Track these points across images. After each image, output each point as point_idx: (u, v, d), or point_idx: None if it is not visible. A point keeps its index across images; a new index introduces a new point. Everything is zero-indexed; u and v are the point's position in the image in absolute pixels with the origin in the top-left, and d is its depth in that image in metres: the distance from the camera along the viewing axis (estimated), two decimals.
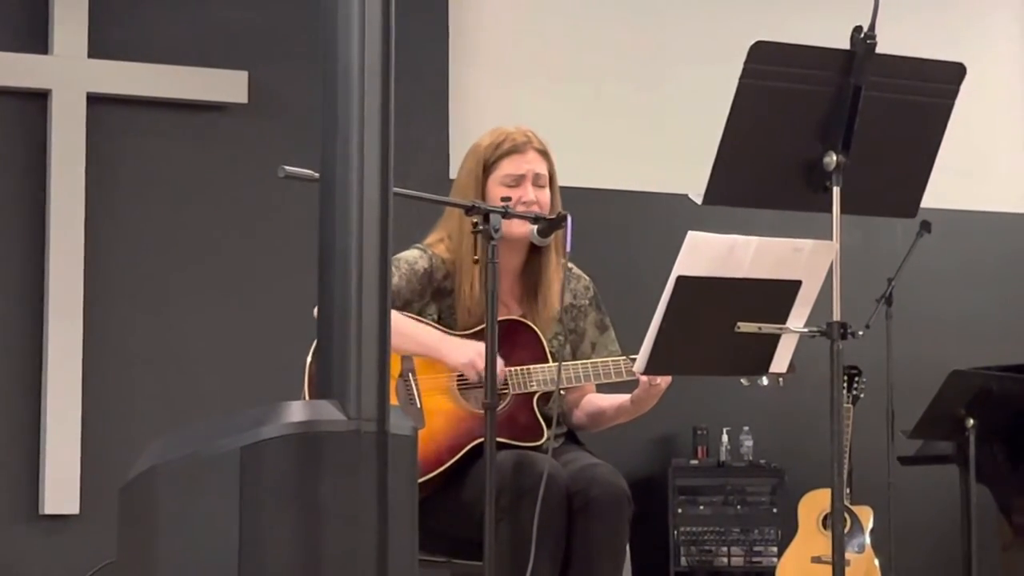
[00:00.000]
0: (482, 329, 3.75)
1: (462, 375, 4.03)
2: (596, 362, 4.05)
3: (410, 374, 4.01)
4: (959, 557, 6.76)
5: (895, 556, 6.69)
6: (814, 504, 6.90)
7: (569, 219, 3.84)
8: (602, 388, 4.23)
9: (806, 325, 3.58)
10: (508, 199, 3.97)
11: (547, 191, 4.14)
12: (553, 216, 3.97)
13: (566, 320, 4.22)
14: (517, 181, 4.10)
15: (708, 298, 3.49)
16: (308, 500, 2.44)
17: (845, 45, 3.49)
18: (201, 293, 6.88)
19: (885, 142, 3.58)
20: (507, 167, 4.11)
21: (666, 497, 7.17)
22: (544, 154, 4.17)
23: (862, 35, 3.46)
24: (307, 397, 3.93)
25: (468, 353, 3.94)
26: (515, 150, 4.13)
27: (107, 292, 6.72)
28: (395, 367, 3.96)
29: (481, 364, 3.80)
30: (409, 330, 4.01)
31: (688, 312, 3.49)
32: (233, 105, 6.91)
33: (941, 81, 3.60)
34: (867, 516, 6.89)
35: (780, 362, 3.65)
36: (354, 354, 2.51)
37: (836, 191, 3.49)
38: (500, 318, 3.87)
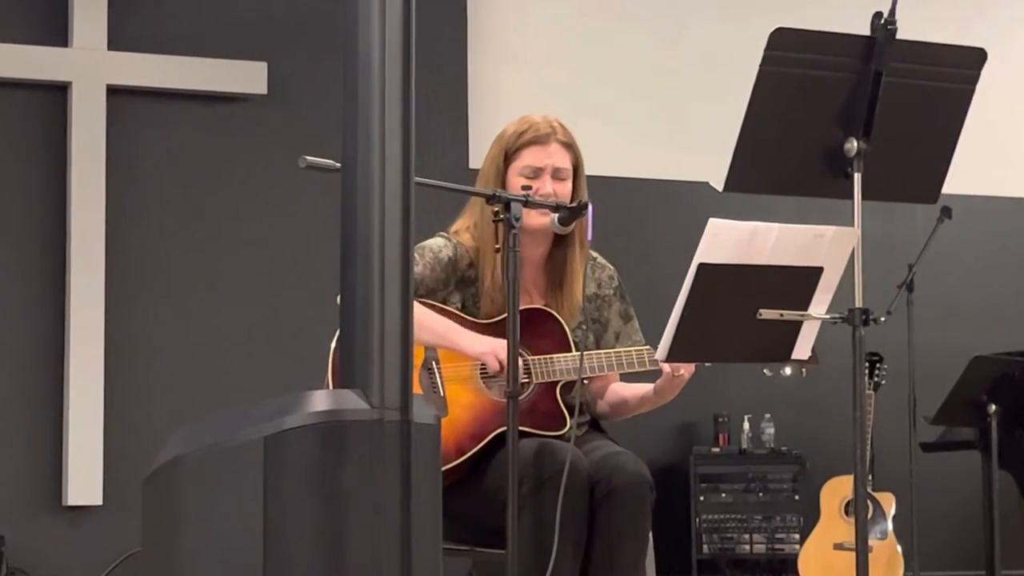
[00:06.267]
0: (505, 317, 3.75)
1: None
2: (619, 351, 4.04)
3: (434, 363, 4.01)
4: (981, 543, 6.75)
5: (917, 542, 6.69)
6: (836, 491, 6.90)
7: (590, 207, 3.83)
8: (627, 377, 4.23)
9: (828, 311, 3.58)
10: (528, 188, 3.96)
11: (567, 184, 4.12)
12: (573, 204, 3.96)
13: (590, 309, 4.21)
14: (536, 173, 4.09)
15: (730, 285, 3.49)
16: (332, 489, 2.44)
17: (865, 31, 3.48)
18: (223, 283, 6.90)
19: (906, 128, 3.57)
20: (527, 158, 4.10)
21: (688, 485, 7.18)
22: (568, 146, 4.14)
23: (882, 21, 3.46)
24: (331, 385, 3.94)
25: (489, 343, 3.94)
26: (537, 141, 4.11)
27: (128, 284, 6.74)
28: (418, 356, 3.97)
29: (503, 353, 3.80)
30: (428, 321, 4.01)
31: (710, 299, 3.49)
32: (253, 96, 6.93)
33: (962, 66, 3.59)
34: (889, 503, 6.88)
35: (802, 349, 3.64)
36: (377, 343, 2.51)
37: (857, 177, 3.49)
38: (523, 307, 3.87)
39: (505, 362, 3.82)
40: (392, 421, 2.48)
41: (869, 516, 6.71)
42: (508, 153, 4.11)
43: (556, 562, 3.70)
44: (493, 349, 3.90)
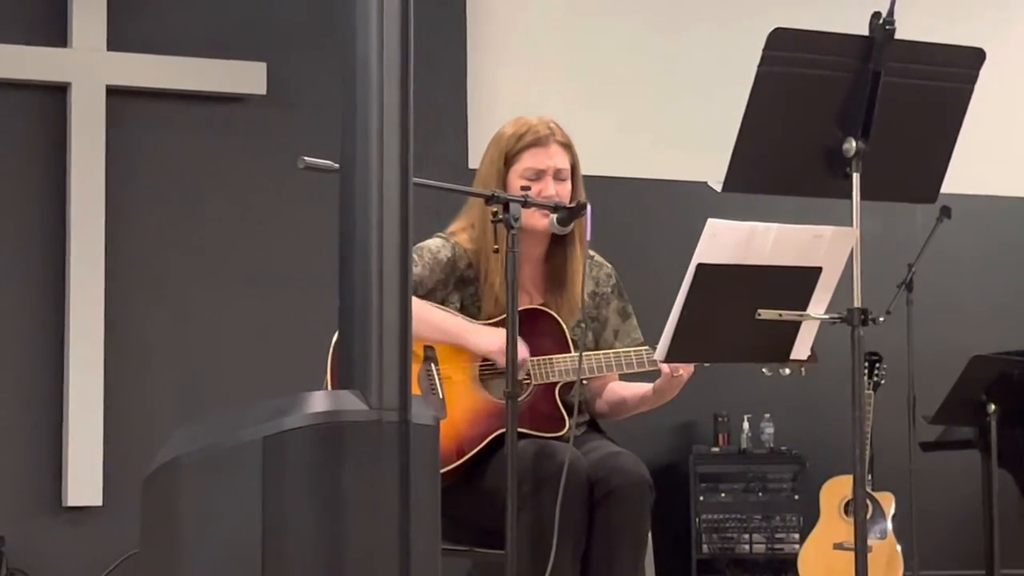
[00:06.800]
0: (504, 318, 3.75)
1: (485, 364, 4.03)
2: (618, 352, 4.04)
3: (432, 364, 4.01)
4: (981, 542, 6.75)
5: (917, 542, 6.69)
6: (836, 490, 6.90)
7: (589, 207, 3.83)
8: (626, 377, 4.23)
9: (827, 311, 3.58)
10: (528, 189, 3.96)
11: (568, 184, 4.13)
12: (572, 204, 3.97)
13: (588, 308, 4.22)
14: (538, 175, 4.09)
15: (728, 285, 3.49)
16: (330, 490, 2.44)
17: (864, 31, 3.48)
18: (221, 284, 6.89)
19: (905, 128, 3.57)
20: (528, 160, 4.10)
21: (687, 485, 7.17)
22: (567, 147, 4.15)
23: (881, 21, 3.46)
24: (330, 386, 3.94)
25: (495, 340, 3.93)
26: (537, 143, 4.11)
27: (128, 284, 6.74)
28: (417, 357, 3.97)
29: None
30: (434, 318, 4.01)
31: (708, 300, 3.49)
32: (252, 96, 6.92)
33: (960, 66, 3.59)
34: (889, 502, 6.88)
35: (801, 349, 3.64)
36: (375, 344, 2.51)
37: (856, 177, 3.49)
38: (522, 307, 3.87)
39: (521, 356, 3.86)
40: (391, 422, 2.48)
41: (868, 516, 6.70)
42: (508, 156, 4.11)
43: (555, 562, 3.70)
44: (501, 346, 3.88)
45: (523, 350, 3.95)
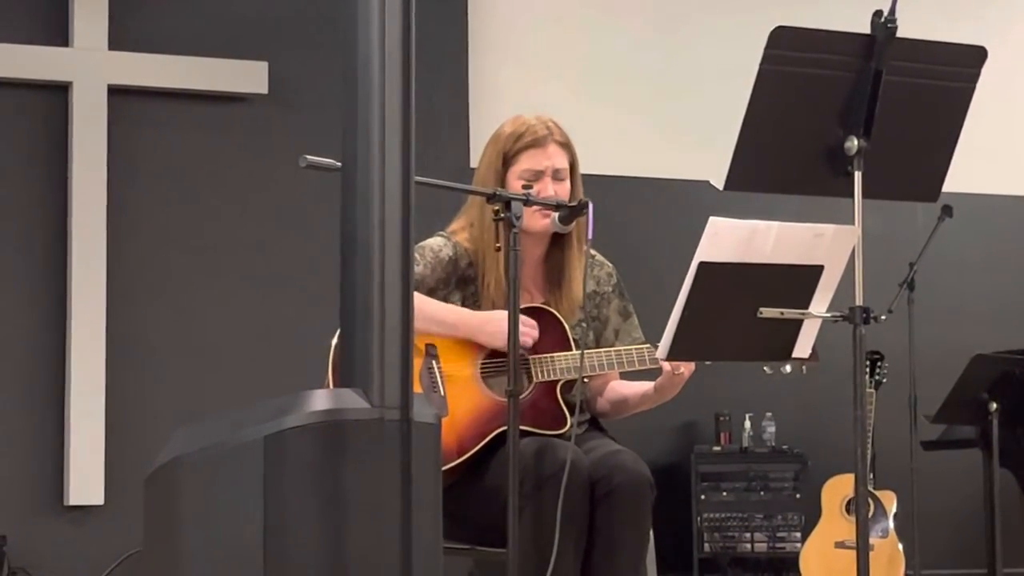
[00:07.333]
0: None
1: (486, 362, 4.03)
2: (619, 350, 4.04)
3: (434, 361, 4.01)
4: (983, 541, 6.75)
5: (918, 540, 6.69)
6: (837, 489, 6.90)
7: (591, 206, 3.83)
8: (627, 375, 4.23)
9: (828, 310, 3.58)
10: (529, 188, 3.96)
11: (567, 184, 4.11)
12: (574, 203, 3.96)
13: (589, 307, 4.21)
14: (537, 176, 4.07)
15: (730, 284, 3.49)
16: (332, 488, 2.44)
17: (866, 29, 3.48)
18: (223, 283, 6.90)
19: (906, 127, 3.57)
20: (527, 162, 4.08)
21: (689, 483, 7.18)
22: (565, 146, 4.13)
23: (883, 19, 3.45)
24: (331, 384, 3.93)
25: (500, 325, 3.91)
26: (535, 143, 4.09)
27: (129, 284, 6.74)
28: (418, 351, 3.97)
29: (523, 338, 3.82)
30: (437, 312, 4.01)
31: (710, 298, 3.49)
32: (254, 96, 6.93)
33: (962, 65, 3.59)
34: (890, 501, 6.88)
35: (803, 347, 3.65)
36: (377, 342, 2.51)
37: (857, 176, 3.49)
38: (523, 305, 3.87)
39: (532, 338, 3.91)
40: (392, 420, 2.48)
41: (870, 514, 6.70)
42: (506, 157, 4.09)
43: (557, 561, 3.70)
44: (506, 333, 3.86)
45: (532, 331, 3.95)
